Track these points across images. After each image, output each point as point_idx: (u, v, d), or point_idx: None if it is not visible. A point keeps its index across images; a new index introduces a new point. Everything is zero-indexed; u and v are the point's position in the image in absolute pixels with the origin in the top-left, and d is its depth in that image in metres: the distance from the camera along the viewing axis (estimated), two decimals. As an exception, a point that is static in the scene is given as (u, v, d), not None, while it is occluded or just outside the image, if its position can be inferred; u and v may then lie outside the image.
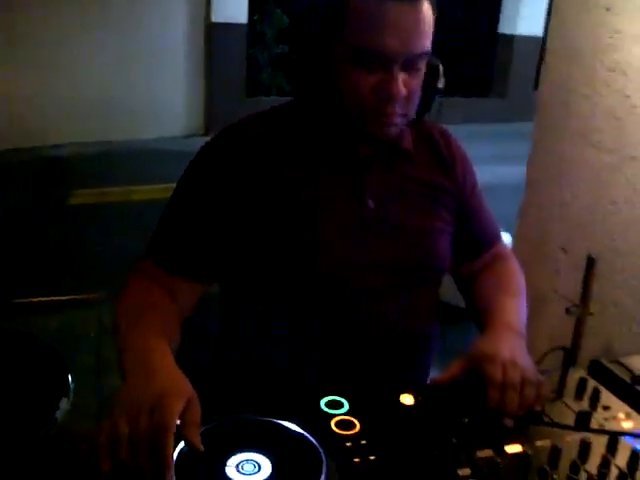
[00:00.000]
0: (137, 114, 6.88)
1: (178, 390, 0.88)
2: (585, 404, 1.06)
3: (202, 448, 0.83)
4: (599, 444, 0.94)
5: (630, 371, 1.14)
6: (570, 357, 1.11)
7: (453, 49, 9.16)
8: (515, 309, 1.25)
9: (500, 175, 4.67)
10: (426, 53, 1.09)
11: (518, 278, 1.36)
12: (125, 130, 6.79)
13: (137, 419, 0.83)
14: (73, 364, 1.19)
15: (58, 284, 3.56)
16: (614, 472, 0.89)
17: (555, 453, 0.90)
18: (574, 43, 2.07)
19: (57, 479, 0.90)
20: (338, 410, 0.99)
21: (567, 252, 2.17)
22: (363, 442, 0.93)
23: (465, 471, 0.88)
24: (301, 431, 0.92)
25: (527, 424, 0.99)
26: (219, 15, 7.37)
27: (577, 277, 1.90)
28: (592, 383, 1.10)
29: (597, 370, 1.16)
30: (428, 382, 1.21)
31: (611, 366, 1.16)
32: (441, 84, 1.18)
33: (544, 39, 2.22)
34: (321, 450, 0.88)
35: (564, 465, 0.90)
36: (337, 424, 0.96)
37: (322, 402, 1.01)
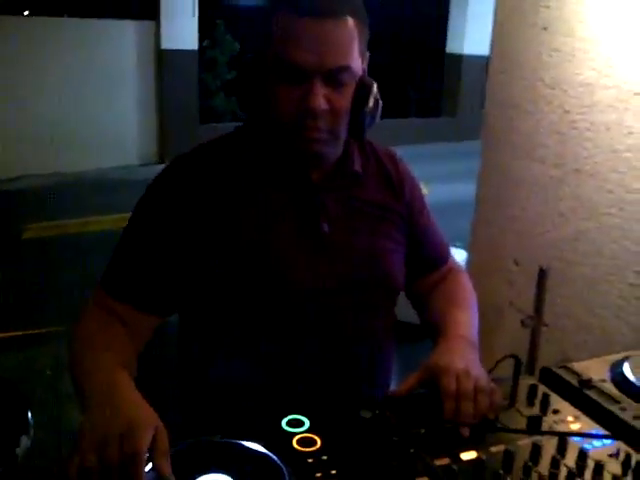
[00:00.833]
0: (90, 144, 6.83)
1: (145, 420, 0.90)
2: (536, 409, 1.10)
3: (173, 478, 0.84)
4: (549, 446, 0.97)
5: (578, 375, 1.18)
6: (519, 365, 1.15)
7: (405, 71, 9.36)
8: (467, 321, 1.29)
9: (454, 192, 4.76)
10: (346, 68, 1.10)
11: (469, 292, 1.41)
12: (78, 161, 6.74)
13: (106, 450, 0.84)
14: (31, 400, 1.19)
15: (14, 320, 3.50)
16: (564, 472, 0.93)
17: (508, 457, 0.94)
18: (516, 62, 2.15)
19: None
20: (299, 428, 1.01)
21: (519, 264, 2.23)
22: (324, 458, 0.95)
23: (423, 479, 0.91)
24: (264, 450, 0.94)
25: (482, 432, 1.03)
26: (169, 42, 7.39)
27: (530, 289, 1.96)
28: (542, 389, 1.14)
29: (547, 376, 1.20)
30: (387, 395, 1.23)
31: (560, 372, 1.20)
32: (372, 103, 1.16)
33: (489, 58, 2.30)
34: (284, 468, 0.90)
35: (517, 468, 0.93)
36: (299, 442, 0.98)
37: (283, 422, 1.03)
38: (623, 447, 0.99)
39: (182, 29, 7.45)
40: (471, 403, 1.05)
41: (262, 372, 1.20)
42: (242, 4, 11.14)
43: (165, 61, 7.41)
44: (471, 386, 1.06)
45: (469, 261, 2.49)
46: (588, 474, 0.93)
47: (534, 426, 1.04)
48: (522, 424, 1.06)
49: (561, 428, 1.05)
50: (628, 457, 0.96)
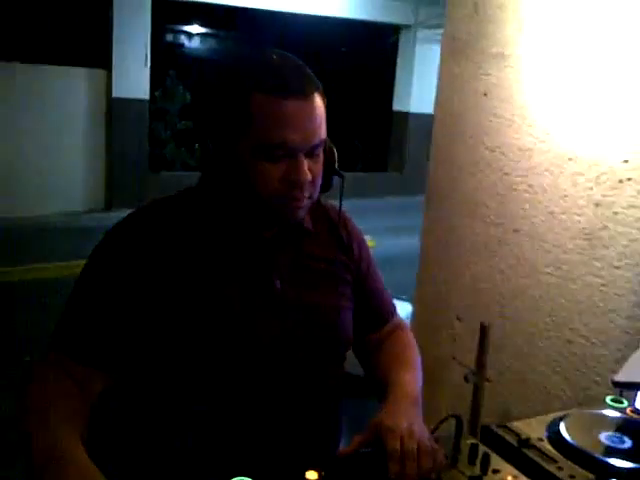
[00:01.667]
0: (37, 190, 6.75)
1: None
2: (477, 469, 1.12)
3: None
4: (490, 506, 1.00)
5: (517, 435, 1.21)
6: (461, 425, 1.17)
7: (353, 127, 9.55)
8: (411, 381, 1.31)
9: (401, 245, 4.85)
10: (324, 140, 1.18)
11: (413, 351, 1.44)
12: (25, 207, 6.63)
13: None
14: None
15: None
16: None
17: (450, 518, 0.95)
18: (458, 124, 2.24)
19: None
20: (244, 490, 1.01)
21: (462, 320, 2.28)
22: (268, 520, 0.95)
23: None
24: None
25: (424, 492, 1.04)
26: (120, 90, 7.41)
27: (473, 344, 2.00)
28: (483, 449, 1.16)
29: (487, 435, 1.23)
30: (333, 455, 1.24)
31: (499, 431, 1.22)
32: (336, 165, 1.26)
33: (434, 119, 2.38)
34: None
35: (458, 529, 0.95)
36: (243, 504, 0.98)
37: (229, 483, 1.02)
38: (559, 506, 1.02)
39: (134, 78, 7.51)
40: (415, 464, 1.06)
41: (208, 432, 1.19)
42: (195, 54, 11.30)
43: (116, 109, 7.41)
44: (415, 446, 1.08)
45: (414, 314, 2.53)
46: (526, 534, 0.95)
47: (474, 487, 1.06)
48: (463, 484, 1.08)
49: (500, 488, 1.07)
50: (564, 516, 0.98)
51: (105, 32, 7.41)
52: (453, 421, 1.19)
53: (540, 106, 1.94)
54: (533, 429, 1.24)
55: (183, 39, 11.62)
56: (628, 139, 1.72)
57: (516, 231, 2.05)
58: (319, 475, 1.07)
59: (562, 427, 1.22)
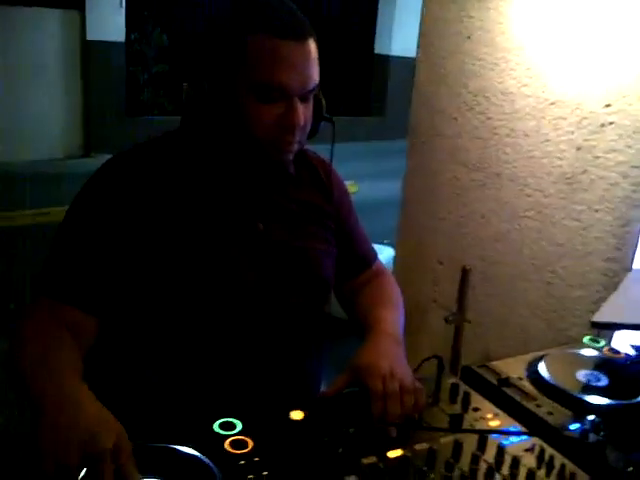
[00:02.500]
0: (12, 136, 6.61)
1: (108, 425, 0.90)
2: (458, 407, 1.16)
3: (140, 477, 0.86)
4: (470, 443, 1.03)
5: (497, 374, 1.24)
6: (442, 365, 1.20)
7: (334, 71, 9.40)
8: (393, 319, 1.34)
9: (384, 190, 4.84)
10: (317, 85, 1.18)
11: (395, 293, 1.46)
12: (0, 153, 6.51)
13: (67, 455, 0.84)
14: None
15: None
16: (483, 467, 0.99)
17: (431, 454, 0.99)
18: (441, 68, 2.22)
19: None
20: (231, 431, 1.03)
21: (443, 264, 2.31)
22: (256, 459, 0.97)
23: (351, 478, 0.95)
24: (195, 453, 0.95)
25: (407, 430, 1.07)
26: (94, 33, 7.21)
27: (454, 287, 2.04)
28: (464, 388, 1.20)
29: (468, 375, 1.26)
30: (316, 396, 1.27)
31: (480, 370, 1.26)
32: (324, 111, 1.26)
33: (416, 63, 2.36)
34: (215, 470, 0.92)
35: (440, 465, 0.98)
36: (231, 444, 1.00)
37: (215, 424, 1.04)
38: (538, 442, 1.06)
39: (109, 20, 7.29)
40: (397, 403, 1.09)
41: (194, 374, 1.21)
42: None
43: (91, 52, 7.23)
44: (397, 387, 1.10)
45: (396, 259, 2.55)
46: (505, 469, 0.99)
47: (456, 424, 1.09)
48: (445, 422, 1.11)
49: (481, 425, 1.11)
50: (542, 451, 1.02)
51: (77, -29, 7.17)
52: (435, 362, 1.22)
53: (524, 50, 1.93)
54: (513, 369, 1.28)
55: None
56: (611, 83, 1.72)
57: (497, 175, 2.06)
58: (304, 415, 1.10)
59: (541, 366, 1.26)
